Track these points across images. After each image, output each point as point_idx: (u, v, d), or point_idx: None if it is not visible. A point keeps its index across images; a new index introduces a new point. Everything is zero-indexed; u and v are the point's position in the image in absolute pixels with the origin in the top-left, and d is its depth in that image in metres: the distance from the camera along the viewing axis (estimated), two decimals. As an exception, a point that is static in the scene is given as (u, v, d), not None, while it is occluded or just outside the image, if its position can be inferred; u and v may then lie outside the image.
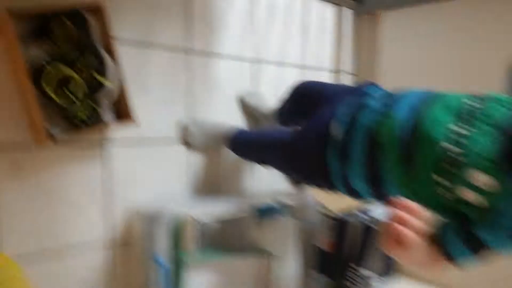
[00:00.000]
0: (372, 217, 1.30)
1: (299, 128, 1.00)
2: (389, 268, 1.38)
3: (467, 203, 0.66)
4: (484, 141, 0.65)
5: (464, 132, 0.68)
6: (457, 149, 0.66)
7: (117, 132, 1.08)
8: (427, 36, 1.57)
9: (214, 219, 1.07)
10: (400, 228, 0.59)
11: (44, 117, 0.91)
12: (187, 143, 1.25)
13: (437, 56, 1.53)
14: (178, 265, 0.94)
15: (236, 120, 1.38)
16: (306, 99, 1.10)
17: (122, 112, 1.00)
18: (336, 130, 0.87)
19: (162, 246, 0.91)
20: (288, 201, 1.36)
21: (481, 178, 0.63)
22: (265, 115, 1.38)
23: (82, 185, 1.03)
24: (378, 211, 1.36)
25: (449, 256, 0.67)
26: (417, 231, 0.60)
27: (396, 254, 0.62)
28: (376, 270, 1.35)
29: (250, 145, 1.18)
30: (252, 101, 1.40)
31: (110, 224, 1.07)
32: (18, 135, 0.93)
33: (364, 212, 1.30)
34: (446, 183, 0.68)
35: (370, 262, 1.34)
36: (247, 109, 1.41)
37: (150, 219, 0.98)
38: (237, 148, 1.23)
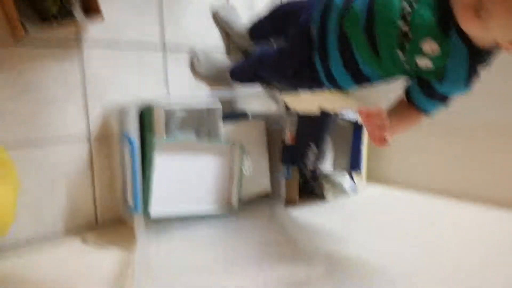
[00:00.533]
0: (337, 115, 1.41)
1: (284, 39, 1.14)
2: (354, 165, 1.51)
3: (423, 69, 0.82)
4: (425, 13, 0.78)
5: (410, 9, 0.80)
6: (406, 25, 0.80)
7: (92, 33, 1.18)
8: None
9: (182, 107, 1.19)
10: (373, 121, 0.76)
11: (20, 17, 1.00)
12: (194, 70, 1.40)
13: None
14: (147, 147, 1.06)
15: (210, 32, 1.46)
16: (284, 17, 1.19)
17: (90, 9, 1.08)
18: (314, 33, 1.00)
19: (133, 130, 1.02)
20: (260, 107, 1.47)
21: (429, 45, 0.77)
22: (238, 32, 1.45)
23: (61, 82, 1.13)
24: (345, 113, 1.47)
25: (420, 109, 0.87)
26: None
27: (384, 134, 0.77)
28: (340, 166, 1.48)
29: (247, 65, 1.31)
30: (225, 15, 1.47)
31: (88, 119, 1.18)
32: (-3, 31, 1.02)
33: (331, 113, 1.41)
34: (405, 56, 0.82)
35: (334, 159, 1.47)
36: (220, 24, 1.48)
37: (123, 109, 1.10)
38: (237, 74, 1.35)
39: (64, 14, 1.05)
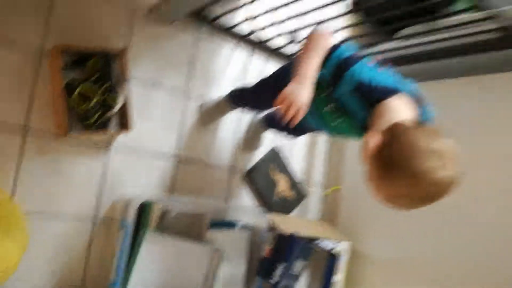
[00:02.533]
0: (314, 242, 1.56)
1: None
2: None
3: None
4: None
5: None
6: None
7: (120, 140, 1.48)
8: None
9: (176, 209, 1.41)
10: None
11: (67, 121, 1.32)
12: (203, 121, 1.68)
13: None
14: (138, 237, 1.26)
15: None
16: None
17: (124, 123, 1.40)
18: None
19: (130, 218, 1.24)
20: (246, 220, 1.67)
21: None
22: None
23: (84, 173, 1.41)
24: (326, 243, 1.62)
25: None
26: None
27: None
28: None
29: (244, 93, 1.58)
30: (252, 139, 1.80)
31: (99, 204, 1.43)
32: (47, 128, 1.34)
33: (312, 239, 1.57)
34: None
35: (309, 283, 1.58)
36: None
37: (128, 201, 1.33)
38: (234, 98, 1.62)
39: (102, 123, 1.36)
